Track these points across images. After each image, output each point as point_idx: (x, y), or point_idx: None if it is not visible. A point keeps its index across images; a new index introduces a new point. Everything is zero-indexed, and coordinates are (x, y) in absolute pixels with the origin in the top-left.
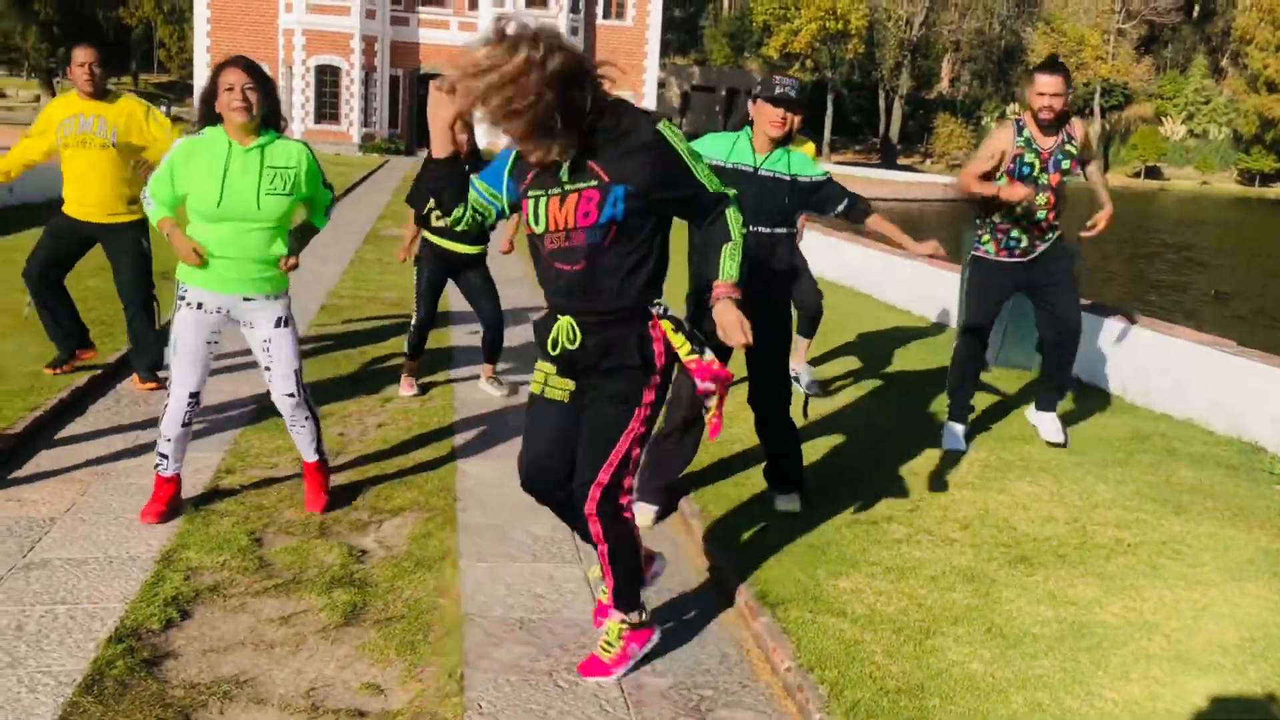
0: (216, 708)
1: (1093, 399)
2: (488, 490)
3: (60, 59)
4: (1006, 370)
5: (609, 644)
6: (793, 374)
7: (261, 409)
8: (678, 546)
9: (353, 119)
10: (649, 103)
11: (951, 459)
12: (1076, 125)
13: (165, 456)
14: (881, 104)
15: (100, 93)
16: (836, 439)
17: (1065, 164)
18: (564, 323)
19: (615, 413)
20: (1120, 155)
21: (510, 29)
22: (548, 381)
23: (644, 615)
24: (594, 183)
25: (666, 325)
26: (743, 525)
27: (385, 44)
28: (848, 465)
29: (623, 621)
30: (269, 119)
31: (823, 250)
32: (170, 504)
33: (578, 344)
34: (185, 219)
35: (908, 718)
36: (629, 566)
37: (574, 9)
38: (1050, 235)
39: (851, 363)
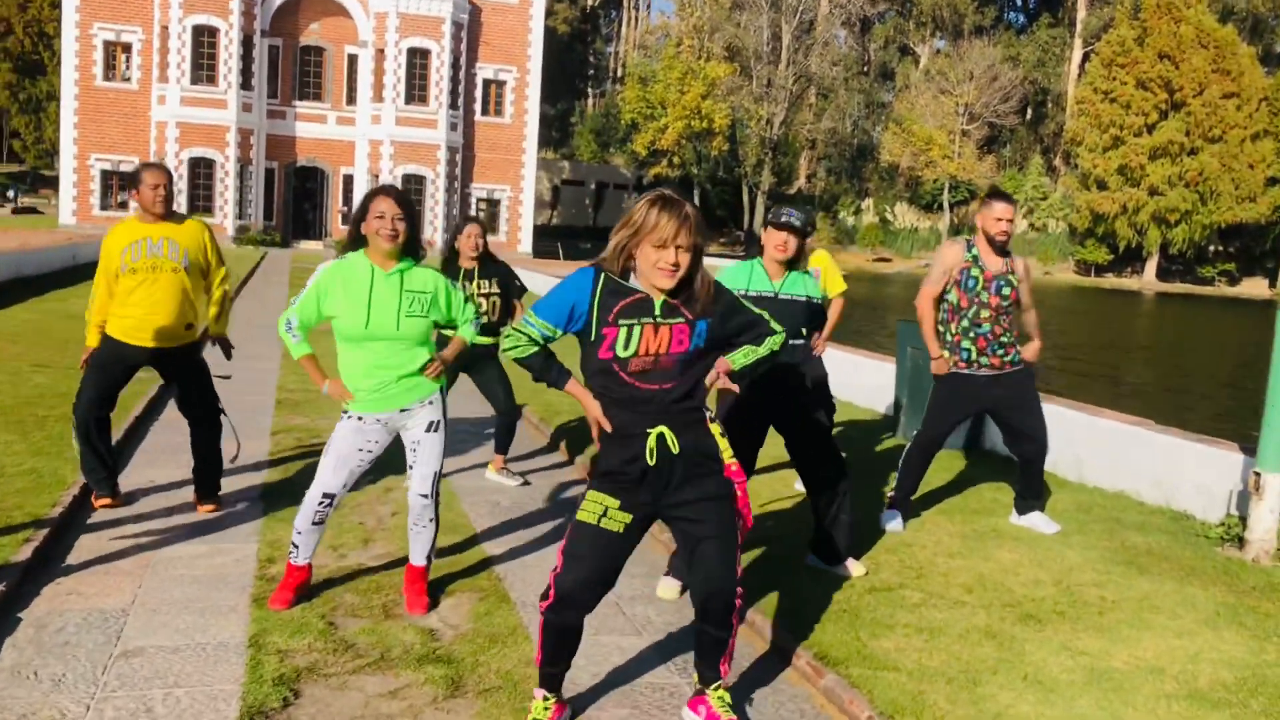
0: None
1: None
2: (527, 570)
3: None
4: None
5: (729, 706)
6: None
7: (273, 499)
8: None
9: (227, 211)
10: (527, 196)
11: (932, 532)
12: (1018, 262)
13: (296, 546)
14: (745, 199)
15: (169, 214)
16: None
17: (1006, 291)
18: (659, 433)
19: (728, 512)
20: None
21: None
22: (607, 513)
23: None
24: (681, 319)
25: (716, 428)
26: (778, 594)
27: (261, 137)
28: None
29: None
30: (409, 246)
31: None
32: (298, 590)
33: (679, 449)
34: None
35: None
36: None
37: (453, 105)
38: (1000, 351)
39: None
